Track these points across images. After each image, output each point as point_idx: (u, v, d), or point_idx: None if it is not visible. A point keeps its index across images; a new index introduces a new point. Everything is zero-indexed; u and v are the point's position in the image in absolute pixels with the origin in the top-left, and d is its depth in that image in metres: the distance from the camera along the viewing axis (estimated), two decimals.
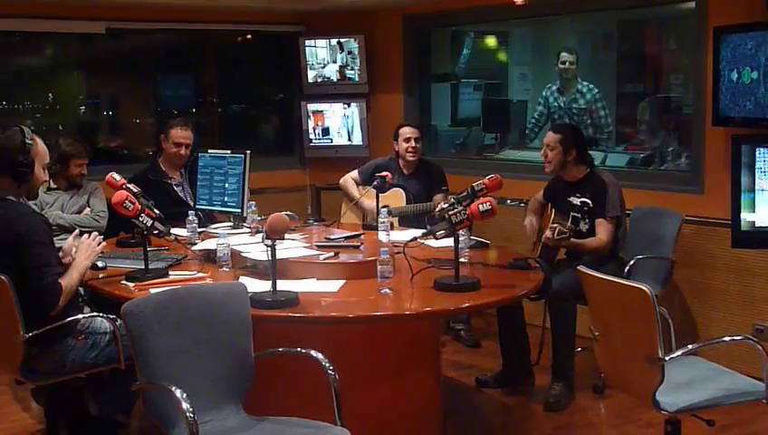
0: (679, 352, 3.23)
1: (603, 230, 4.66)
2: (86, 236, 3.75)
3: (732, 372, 3.53)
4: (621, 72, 7.82)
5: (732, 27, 4.77)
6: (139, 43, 7.43)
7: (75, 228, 4.34)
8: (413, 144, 5.72)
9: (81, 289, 3.79)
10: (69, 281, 3.53)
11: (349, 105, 7.29)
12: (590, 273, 3.41)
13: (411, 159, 5.75)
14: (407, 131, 5.76)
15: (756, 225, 4.47)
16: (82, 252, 3.66)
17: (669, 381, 3.17)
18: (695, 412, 3.29)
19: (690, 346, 3.31)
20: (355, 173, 5.91)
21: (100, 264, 3.94)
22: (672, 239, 5.00)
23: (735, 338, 4.08)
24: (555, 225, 4.38)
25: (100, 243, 3.76)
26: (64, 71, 7.46)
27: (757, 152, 4.41)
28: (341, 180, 5.94)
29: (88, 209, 5.37)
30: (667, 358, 3.11)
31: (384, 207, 4.94)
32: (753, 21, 4.66)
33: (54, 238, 3.70)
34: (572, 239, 4.42)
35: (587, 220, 4.72)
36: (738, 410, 3.93)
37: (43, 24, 6.46)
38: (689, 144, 5.55)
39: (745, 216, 4.47)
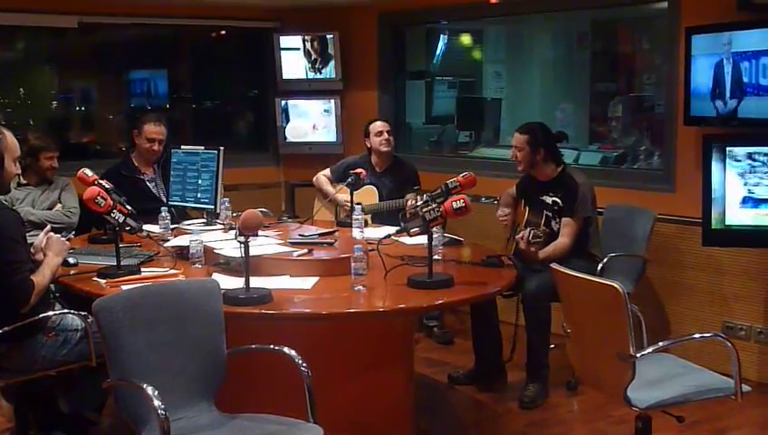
0: (650, 349, 3.25)
1: (567, 231, 4.67)
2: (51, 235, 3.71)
3: (702, 369, 3.55)
4: (595, 71, 7.87)
5: (703, 27, 4.81)
6: (111, 38, 7.37)
7: (46, 224, 4.31)
8: (386, 136, 5.71)
9: (52, 286, 3.75)
10: (40, 278, 3.50)
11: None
12: (563, 270, 3.43)
13: (385, 149, 5.72)
14: (378, 125, 5.74)
15: (726, 223, 4.52)
16: (53, 249, 3.63)
17: (640, 378, 3.19)
18: (665, 408, 3.31)
19: (661, 343, 3.33)
20: (327, 171, 5.90)
21: (71, 260, 3.91)
22: (644, 237, 5.03)
23: (705, 335, 4.13)
24: (530, 228, 4.39)
25: (68, 238, 3.73)
26: (36, 65, 7.39)
27: (727, 152, 4.46)
28: (314, 178, 5.92)
29: (59, 205, 5.33)
30: (638, 355, 3.13)
31: (357, 204, 4.93)
32: (725, 21, 4.70)
33: (26, 234, 3.66)
34: (540, 253, 4.44)
35: (558, 220, 4.74)
36: (708, 407, 3.98)
37: (14, 18, 6.38)
38: (661, 143, 5.59)
39: (716, 214, 4.51)
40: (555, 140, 4.89)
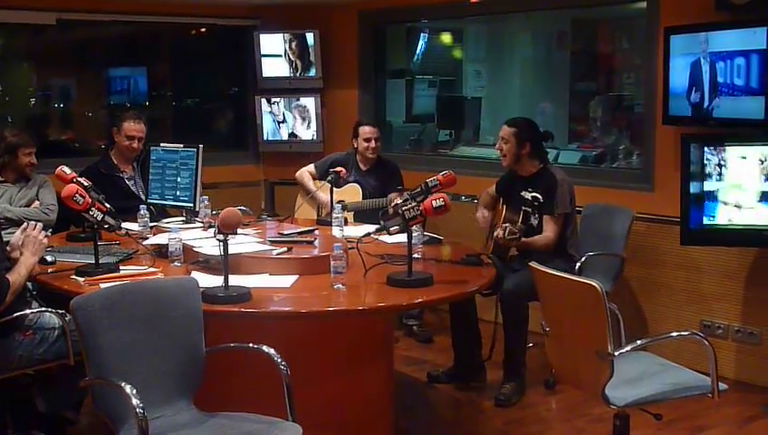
0: (628, 348, 3.27)
1: (550, 227, 4.69)
2: (31, 226, 3.68)
3: (679, 367, 3.58)
4: (575, 70, 7.90)
5: (682, 27, 4.84)
6: (90, 35, 7.33)
7: (24, 222, 4.27)
8: (373, 144, 5.79)
9: (29, 284, 3.73)
10: (16, 277, 3.47)
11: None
12: (541, 269, 3.44)
13: (371, 156, 5.82)
14: (367, 131, 5.80)
15: (704, 223, 4.55)
16: (29, 247, 3.60)
17: (618, 376, 3.20)
18: (643, 407, 3.33)
19: (639, 341, 3.34)
20: (311, 167, 5.92)
21: (49, 258, 3.87)
22: (623, 236, 5.06)
23: (683, 334, 4.15)
24: (506, 224, 4.41)
25: (46, 236, 3.70)
26: (14, 62, 7.33)
27: (705, 151, 4.49)
28: (297, 173, 5.94)
29: (37, 202, 5.28)
30: (616, 353, 3.15)
31: (339, 202, 4.94)
32: (703, 21, 4.74)
33: (2, 232, 3.63)
34: (522, 239, 4.46)
35: (537, 215, 4.76)
36: (685, 405, 4.01)
37: None
38: (640, 142, 5.62)
39: (694, 213, 4.55)
40: (542, 139, 4.91)
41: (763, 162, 4.39)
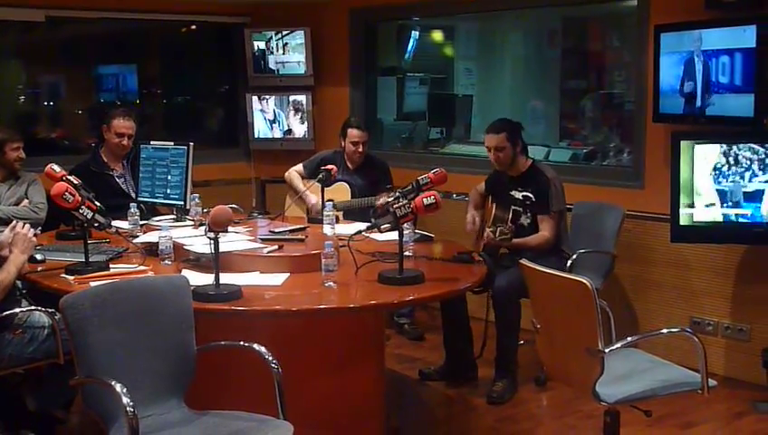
0: (619, 345, 3.28)
1: (547, 226, 4.70)
2: (20, 225, 3.66)
3: (669, 364, 3.59)
4: (566, 68, 7.91)
5: (672, 25, 4.85)
6: (80, 32, 7.29)
7: (13, 220, 4.25)
8: (360, 149, 5.72)
9: (18, 282, 3.71)
10: (5, 275, 3.46)
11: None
12: (532, 266, 3.45)
13: (356, 158, 5.77)
14: (354, 134, 5.72)
15: (694, 220, 4.57)
16: (19, 245, 3.58)
17: (609, 373, 3.21)
18: (633, 403, 3.34)
19: (629, 338, 3.36)
20: (300, 167, 5.88)
21: (39, 257, 3.87)
22: (613, 234, 5.07)
23: (673, 330, 4.14)
24: (499, 225, 4.41)
25: (36, 234, 3.69)
26: (3, 60, 7.29)
27: (695, 149, 4.51)
28: (286, 174, 5.90)
29: (26, 201, 5.27)
30: (606, 350, 3.16)
31: (329, 201, 4.93)
32: (693, 19, 4.75)
33: None
34: (514, 240, 4.46)
35: (528, 214, 4.76)
36: (675, 401, 4.01)
37: None
38: (631, 140, 5.63)
39: (684, 211, 4.56)
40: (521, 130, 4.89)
41: (751, 160, 4.41)
